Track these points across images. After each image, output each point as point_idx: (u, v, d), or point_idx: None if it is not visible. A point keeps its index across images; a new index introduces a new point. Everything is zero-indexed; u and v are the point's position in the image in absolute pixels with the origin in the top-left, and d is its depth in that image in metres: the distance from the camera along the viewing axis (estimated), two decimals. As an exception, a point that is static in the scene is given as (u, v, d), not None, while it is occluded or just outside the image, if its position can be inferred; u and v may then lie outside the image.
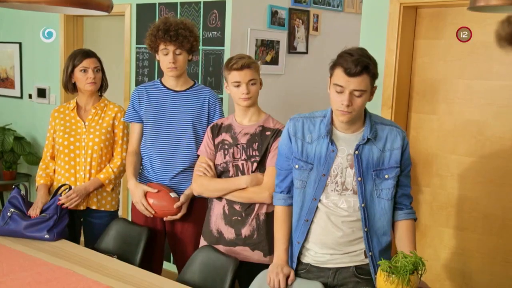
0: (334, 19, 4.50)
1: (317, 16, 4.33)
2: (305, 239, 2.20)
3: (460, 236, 2.85)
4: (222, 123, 2.67)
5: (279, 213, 2.31)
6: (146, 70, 4.19)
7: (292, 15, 4.08)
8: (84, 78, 2.95)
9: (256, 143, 2.54)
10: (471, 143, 2.80)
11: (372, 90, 2.09)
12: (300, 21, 4.17)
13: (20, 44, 5.13)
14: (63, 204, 2.81)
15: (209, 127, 2.71)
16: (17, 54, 5.18)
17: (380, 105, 2.93)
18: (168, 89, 2.90)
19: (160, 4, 4.03)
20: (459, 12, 2.77)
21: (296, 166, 2.20)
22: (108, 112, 3.02)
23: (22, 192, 2.87)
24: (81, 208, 2.96)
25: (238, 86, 2.53)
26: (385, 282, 1.85)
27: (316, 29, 4.33)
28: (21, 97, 5.22)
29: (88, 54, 2.99)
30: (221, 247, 2.58)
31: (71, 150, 2.96)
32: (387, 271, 1.85)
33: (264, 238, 2.53)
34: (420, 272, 1.88)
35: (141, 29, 4.18)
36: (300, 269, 2.24)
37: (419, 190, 2.97)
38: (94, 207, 2.99)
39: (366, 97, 2.07)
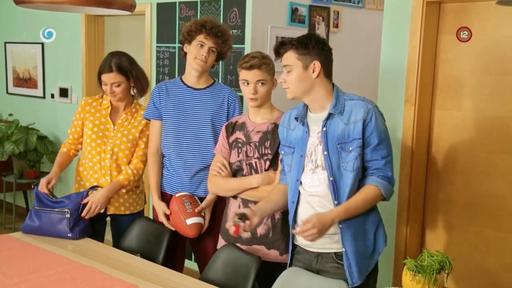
0: (354, 16, 4.47)
1: (338, 13, 4.30)
2: (294, 222, 2.28)
3: (485, 234, 2.81)
4: (236, 121, 2.66)
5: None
6: (167, 69, 4.21)
7: (312, 12, 4.06)
8: (107, 91, 2.91)
9: (268, 141, 2.52)
10: (496, 140, 2.75)
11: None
12: (321, 18, 4.14)
13: (42, 44, 5.20)
14: (85, 204, 2.80)
15: (224, 125, 2.71)
16: (39, 55, 5.25)
17: (402, 102, 2.90)
18: (188, 86, 2.89)
19: (180, 3, 4.04)
20: (483, 7, 2.72)
21: (282, 152, 2.35)
22: (138, 118, 2.98)
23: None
24: (109, 212, 2.95)
25: (247, 84, 2.53)
26: (411, 281, 1.83)
27: (336, 26, 4.31)
28: (44, 97, 5.29)
29: (110, 68, 2.86)
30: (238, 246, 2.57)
31: (98, 153, 2.93)
32: (413, 270, 1.83)
33: (279, 237, 2.52)
34: (446, 271, 1.86)
35: (161, 28, 4.20)
36: (295, 252, 2.34)
37: (443, 188, 2.94)
38: (118, 213, 2.97)
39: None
